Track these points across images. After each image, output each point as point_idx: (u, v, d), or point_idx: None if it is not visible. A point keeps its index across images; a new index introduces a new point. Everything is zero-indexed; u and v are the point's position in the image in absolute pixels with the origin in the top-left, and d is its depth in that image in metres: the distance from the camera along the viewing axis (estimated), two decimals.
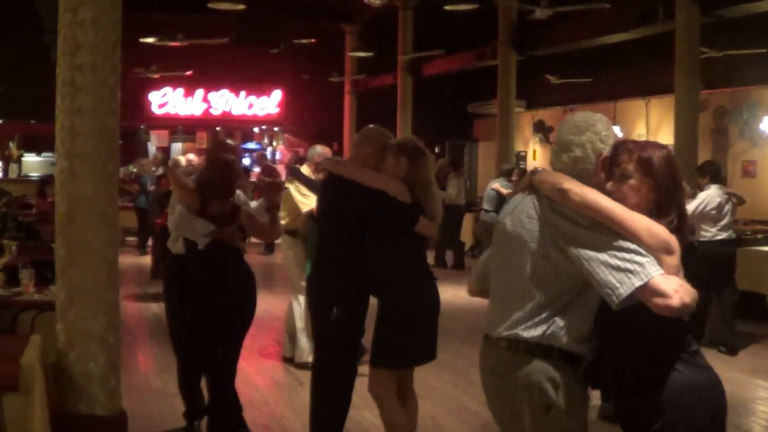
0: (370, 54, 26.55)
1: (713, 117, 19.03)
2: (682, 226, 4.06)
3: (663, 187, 4.06)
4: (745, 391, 10.31)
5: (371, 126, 7.38)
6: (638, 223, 3.86)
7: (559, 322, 4.06)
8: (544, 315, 4.08)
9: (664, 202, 4.06)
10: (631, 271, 3.76)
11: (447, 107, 27.56)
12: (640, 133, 21.41)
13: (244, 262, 7.71)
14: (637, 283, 3.72)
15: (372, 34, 28.03)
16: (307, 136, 30.72)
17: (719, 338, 12.20)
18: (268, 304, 14.65)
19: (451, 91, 27.83)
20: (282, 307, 12.56)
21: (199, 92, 30.63)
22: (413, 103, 26.26)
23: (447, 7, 19.29)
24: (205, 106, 30.87)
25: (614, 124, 21.03)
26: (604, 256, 3.82)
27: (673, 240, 3.88)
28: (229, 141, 31.67)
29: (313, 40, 27.08)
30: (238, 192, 7.94)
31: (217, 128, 31.70)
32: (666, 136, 19.22)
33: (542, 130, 24.25)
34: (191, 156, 10.69)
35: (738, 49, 16.95)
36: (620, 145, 4.17)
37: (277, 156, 31.22)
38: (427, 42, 25.07)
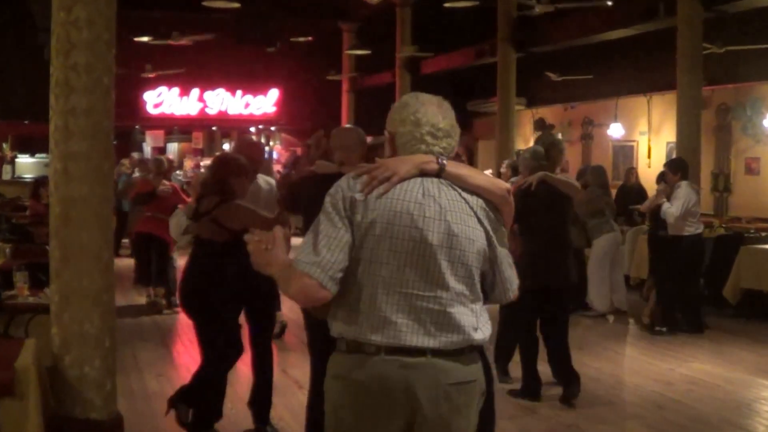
0: (368, 52, 26.52)
1: (716, 114, 18.89)
2: None
3: None
4: (748, 391, 10.27)
5: (345, 130, 7.54)
6: (482, 176, 4.16)
7: None
8: None
9: None
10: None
11: None
12: (642, 130, 21.35)
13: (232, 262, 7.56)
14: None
15: (369, 32, 27.99)
16: (304, 135, 30.68)
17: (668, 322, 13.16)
18: None
19: (450, 89, 27.52)
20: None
21: (195, 91, 30.50)
22: None
23: (446, 4, 19.23)
24: (200, 105, 30.74)
25: (616, 121, 21.02)
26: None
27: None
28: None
29: (309, 38, 27.08)
30: (263, 184, 8.14)
31: (213, 128, 31.64)
32: (668, 133, 19.16)
33: (543, 127, 24.14)
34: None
35: (741, 45, 16.82)
36: None
37: (275, 156, 31.16)
38: (426, 39, 25.03)
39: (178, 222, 7.67)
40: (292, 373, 10.40)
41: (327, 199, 3.91)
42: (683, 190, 12.96)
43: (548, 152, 9.29)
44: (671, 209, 12.83)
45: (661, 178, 13.83)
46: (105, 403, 6.77)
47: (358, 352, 3.90)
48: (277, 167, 26.15)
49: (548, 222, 8.97)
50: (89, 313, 6.67)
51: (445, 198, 3.95)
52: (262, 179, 8.50)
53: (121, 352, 10.80)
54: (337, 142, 7.01)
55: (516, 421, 8.79)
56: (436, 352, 3.87)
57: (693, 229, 13.03)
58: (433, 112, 4.23)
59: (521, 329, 9.41)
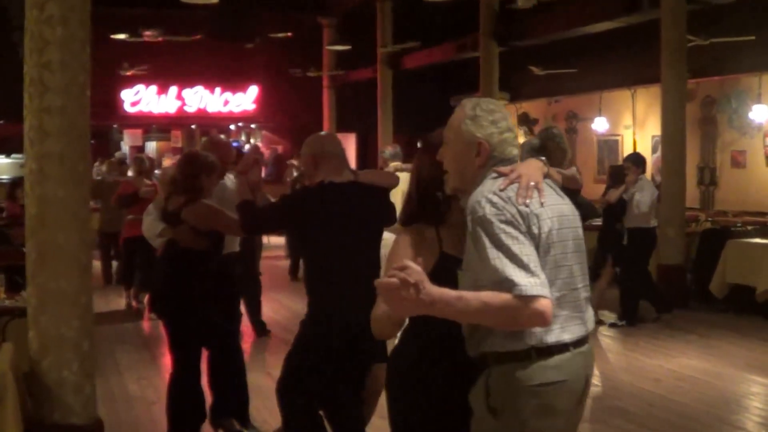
0: (348, 47, 26.40)
1: (701, 106, 18.83)
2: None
3: None
4: (737, 386, 10.28)
5: (330, 136, 7.64)
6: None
7: None
8: None
9: None
10: None
11: (428, 101, 27.29)
12: (626, 124, 21.30)
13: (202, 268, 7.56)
14: None
15: (350, 27, 27.84)
16: (285, 132, 30.65)
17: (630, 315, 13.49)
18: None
19: (433, 84, 27.64)
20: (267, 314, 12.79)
21: (173, 89, 30.33)
22: (394, 97, 26.06)
23: None
24: (179, 103, 30.58)
25: (600, 115, 20.97)
26: None
27: None
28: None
29: (288, 34, 26.95)
30: (230, 184, 8.06)
31: (192, 126, 31.49)
32: (653, 127, 19.11)
33: (527, 122, 24.11)
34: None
35: (725, 37, 16.76)
36: None
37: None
38: (407, 34, 24.90)
39: (151, 224, 7.57)
40: (276, 376, 10.23)
41: (491, 217, 3.83)
42: (647, 183, 13.40)
43: (544, 145, 9.19)
44: (644, 198, 12.91)
45: (615, 174, 13.77)
46: (84, 407, 6.67)
47: (550, 355, 3.94)
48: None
49: None
50: (67, 316, 6.56)
51: (559, 194, 4.16)
52: (229, 179, 8.43)
53: (101, 355, 10.81)
54: (330, 149, 6.82)
55: None
56: (587, 338, 4.14)
57: (654, 222, 13.53)
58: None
59: None
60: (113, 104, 29.29)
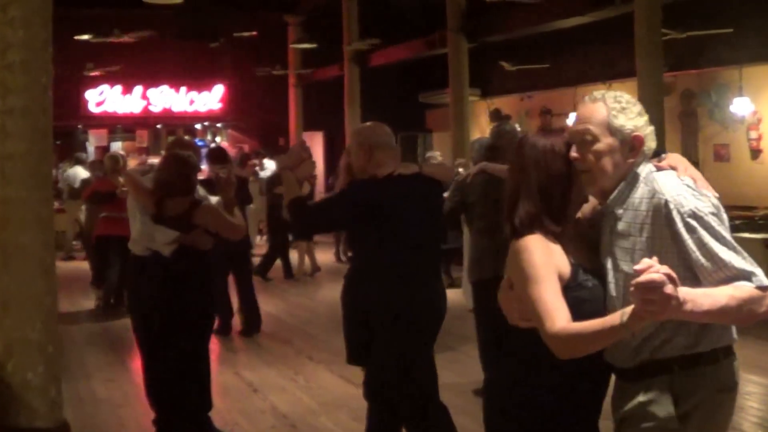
0: (314, 45, 26.31)
1: (680, 100, 18.96)
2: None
3: None
4: None
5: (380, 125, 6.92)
6: None
7: None
8: None
9: None
10: None
11: (397, 98, 27.36)
12: None
13: (206, 272, 7.63)
14: None
15: (315, 25, 27.84)
16: (251, 131, 30.63)
17: None
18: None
19: (401, 81, 27.66)
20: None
21: (138, 89, 30.20)
22: (362, 95, 25.94)
23: None
24: (144, 103, 30.48)
25: (574, 110, 20.88)
26: None
27: None
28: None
29: (254, 33, 26.92)
30: (198, 187, 7.82)
31: (158, 126, 31.40)
32: None
33: (499, 118, 24.05)
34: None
35: (702, 30, 16.82)
36: None
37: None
38: (374, 31, 24.84)
39: (159, 231, 7.33)
40: (245, 376, 10.34)
41: (704, 210, 3.66)
42: None
43: (495, 143, 9.15)
44: None
45: None
46: (50, 410, 6.54)
47: (730, 355, 3.92)
48: None
49: (488, 212, 8.64)
50: (31, 318, 6.43)
51: None
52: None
53: (68, 358, 10.79)
54: (384, 139, 6.63)
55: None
56: None
57: None
58: None
59: (477, 322, 9.13)
60: (78, 105, 29.14)
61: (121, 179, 14.33)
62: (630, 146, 3.84)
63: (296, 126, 29.53)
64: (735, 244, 3.62)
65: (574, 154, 3.89)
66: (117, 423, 8.77)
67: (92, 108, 29.76)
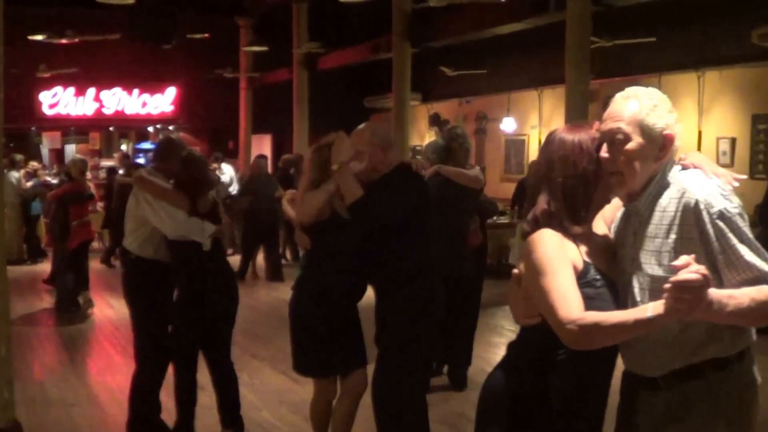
0: (265, 48, 26.37)
1: (604, 106, 18.98)
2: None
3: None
4: None
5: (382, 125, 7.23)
6: None
7: None
8: None
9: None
10: None
11: (343, 101, 27.45)
12: (533, 124, 21.64)
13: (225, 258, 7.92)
14: None
15: (267, 28, 27.86)
16: (202, 133, 30.52)
17: None
18: None
19: (348, 84, 27.75)
20: None
21: (91, 91, 29.98)
22: (310, 98, 26.13)
23: None
24: (97, 105, 30.24)
25: (508, 115, 21.27)
26: None
27: None
28: (124, 145, 31.43)
29: (206, 35, 26.87)
30: None
31: (111, 128, 31.35)
32: (558, 126, 19.38)
33: (438, 123, 24.28)
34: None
35: (627, 39, 17.14)
36: None
37: None
38: (323, 35, 25.00)
39: (198, 225, 7.39)
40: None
41: (732, 211, 3.56)
42: None
43: (448, 146, 9.40)
44: None
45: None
46: (2, 410, 6.71)
47: (750, 354, 3.77)
48: None
49: (444, 212, 8.84)
50: None
51: None
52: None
53: (20, 359, 10.72)
54: (391, 141, 6.78)
55: None
56: None
57: None
58: None
59: None
60: (31, 106, 28.89)
61: (88, 182, 14.63)
62: (660, 145, 3.73)
63: (245, 128, 29.52)
64: (758, 245, 3.57)
65: (604, 154, 3.73)
66: (69, 423, 8.73)
67: (46, 110, 29.48)
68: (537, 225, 3.77)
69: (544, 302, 3.60)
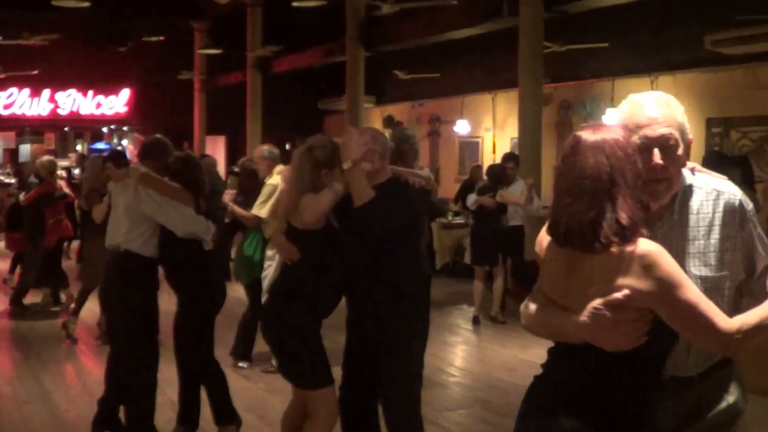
0: (219, 51, 26.42)
1: (558, 110, 19.40)
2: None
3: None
4: None
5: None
6: None
7: None
8: None
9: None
10: None
11: (297, 104, 27.55)
12: (487, 126, 21.81)
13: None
14: None
15: (221, 32, 27.90)
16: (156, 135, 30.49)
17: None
18: None
19: (302, 87, 27.81)
20: None
21: (46, 92, 30.05)
22: (264, 101, 26.28)
23: (295, 3, 19.30)
24: (52, 106, 30.28)
25: (462, 118, 21.40)
26: None
27: None
28: (79, 146, 31.35)
29: (161, 38, 26.90)
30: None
31: (66, 128, 31.29)
32: (512, 130, 19.54)
33: (391, 125, 24.30)
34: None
35: (581, 44, 17.34)
36: None
37: (128, 156, 30.83)
38: (277, 39, 25.08)
39: (208, 227, 7.57)
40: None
41: (753, 211, 3.64)
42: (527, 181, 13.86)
43: (398, 148, 9.45)
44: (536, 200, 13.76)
45: (496, 174, 14.03)
46: None
47: None
48: None
49: None
50: None
51: None
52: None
53: None
54: (386, 148, 6.28)
55: None
56: None
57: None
58: None
59: None
60: None
61: (60, 182, 14.67)
62: (688, 150, 3.66)
63: (200, 130, 29.62)
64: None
65: (659, 160, 3.49)
66: (21, 420, 8.76)
67: (0, 110, 29.54)
68: (625, 237, 3.30)
69: (692, 314, 3.28)
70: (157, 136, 8.13)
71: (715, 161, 10.66)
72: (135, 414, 7.60)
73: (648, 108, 3.60)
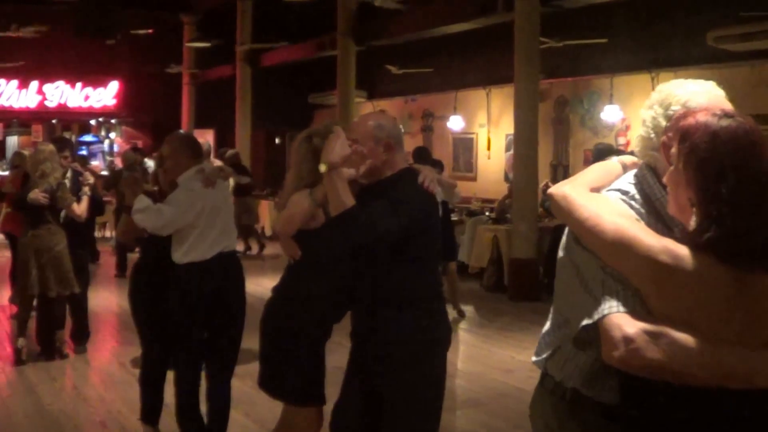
0: (208, 44, 26.33)
1: (554, 106, 19.26)
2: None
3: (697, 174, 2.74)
4: None
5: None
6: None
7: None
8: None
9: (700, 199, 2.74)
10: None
11: (288, 98, 27.50)
12: (481, 123, 21.64)
13: None
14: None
15: (211, 25, 27.83)
16: (144, 127, 30.40)
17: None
18: (106, 301, 14.53)
19: (292, 81, 27.73)
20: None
21: (34, 84, 29.90)
22: (254, 94, 26.23)
23: None
24: (39, 98, 30.16)
25: (455, 113, 21.24)
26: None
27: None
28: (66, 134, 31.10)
29: (150, 31, 26.79)
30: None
31: (53, 121, 31.12)
32: (507, 126, 19.43)
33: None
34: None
35: (578, 39, 17.20)
36: (676, 117, 2.88)
37: (115, 148, 30.80)
38: (268, 32, 25.04)
39: None
40: (129, 368, 10.32)
41: None
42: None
43: None
44: None
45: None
46: None
47: None
48: (117, 160, 25.96)
49: None
50: None
51: None
52: None
53: None
54: (401, 139, 5.30)
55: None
56: None
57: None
58: None
59: None
60: None
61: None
62: None
63: (188, 123, 29.46)
64: None
65: None
66: (4, 412, 8.76)
67: None
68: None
69: None
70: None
71: None
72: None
73: (721, 98, 3.03)
